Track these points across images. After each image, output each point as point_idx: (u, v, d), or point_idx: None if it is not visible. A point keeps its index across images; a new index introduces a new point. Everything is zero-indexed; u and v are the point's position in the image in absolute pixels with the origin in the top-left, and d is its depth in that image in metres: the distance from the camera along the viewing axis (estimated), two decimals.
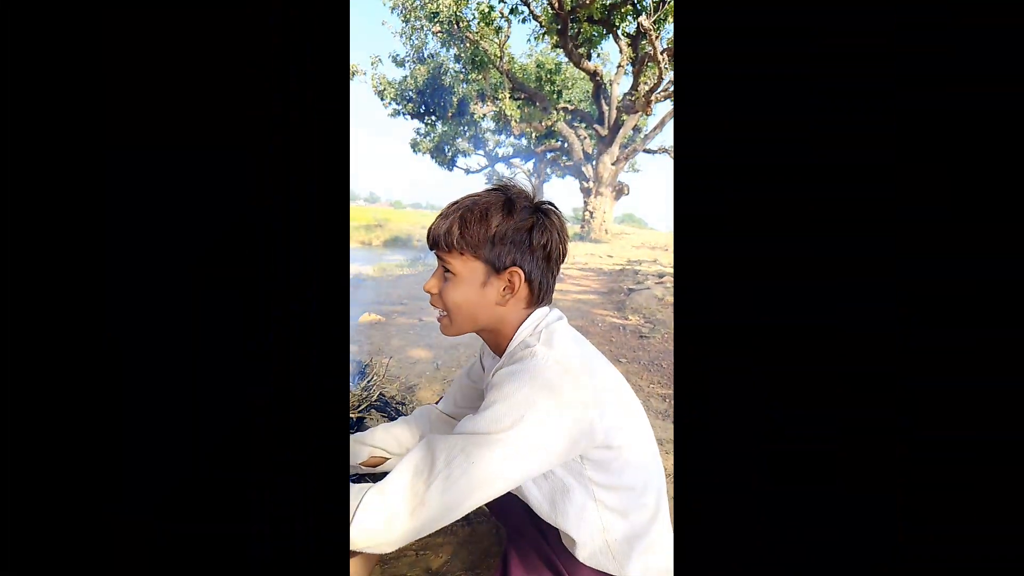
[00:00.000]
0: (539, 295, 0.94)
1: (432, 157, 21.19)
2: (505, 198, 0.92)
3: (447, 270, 0.92)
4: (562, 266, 0.98)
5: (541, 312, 0.96)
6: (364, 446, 1.28)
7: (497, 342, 0.98)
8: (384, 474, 1.33)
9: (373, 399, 2.03)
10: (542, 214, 0.93)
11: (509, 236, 0.89)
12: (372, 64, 17.92)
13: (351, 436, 1.29)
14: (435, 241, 0.92)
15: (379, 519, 0.76)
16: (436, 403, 1.35)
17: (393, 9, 15.67)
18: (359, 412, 1.94)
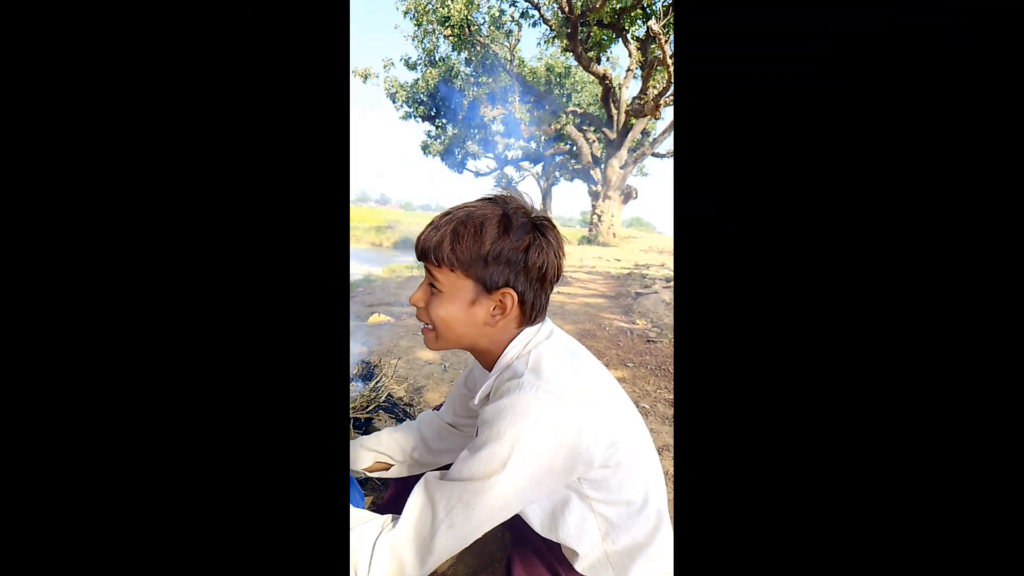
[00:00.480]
0: (531, 315, 0.90)
1: (442, 159, 21.24)
2: (502, 213, 0.86)
3: (433, 284, 0.88)
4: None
5: (530, 331, 0.92)
6: (368, 451, 1.29)
7: (485, 359, 0.96)
8: (389, 480, 1.33)
9: (381, 400, 2.04)
10: (539, 232, 0.88)
11: (504, 256, 0.84)
12: (384, 67, 18.00)
13: (356, 440, 1.30)
14: (424, 253, 0.88)
15: (394, 570, 0.78)
16: (436, 408, 1.35)
17: (406, 13, 15.76)
18: (367, 413, 1.95)
